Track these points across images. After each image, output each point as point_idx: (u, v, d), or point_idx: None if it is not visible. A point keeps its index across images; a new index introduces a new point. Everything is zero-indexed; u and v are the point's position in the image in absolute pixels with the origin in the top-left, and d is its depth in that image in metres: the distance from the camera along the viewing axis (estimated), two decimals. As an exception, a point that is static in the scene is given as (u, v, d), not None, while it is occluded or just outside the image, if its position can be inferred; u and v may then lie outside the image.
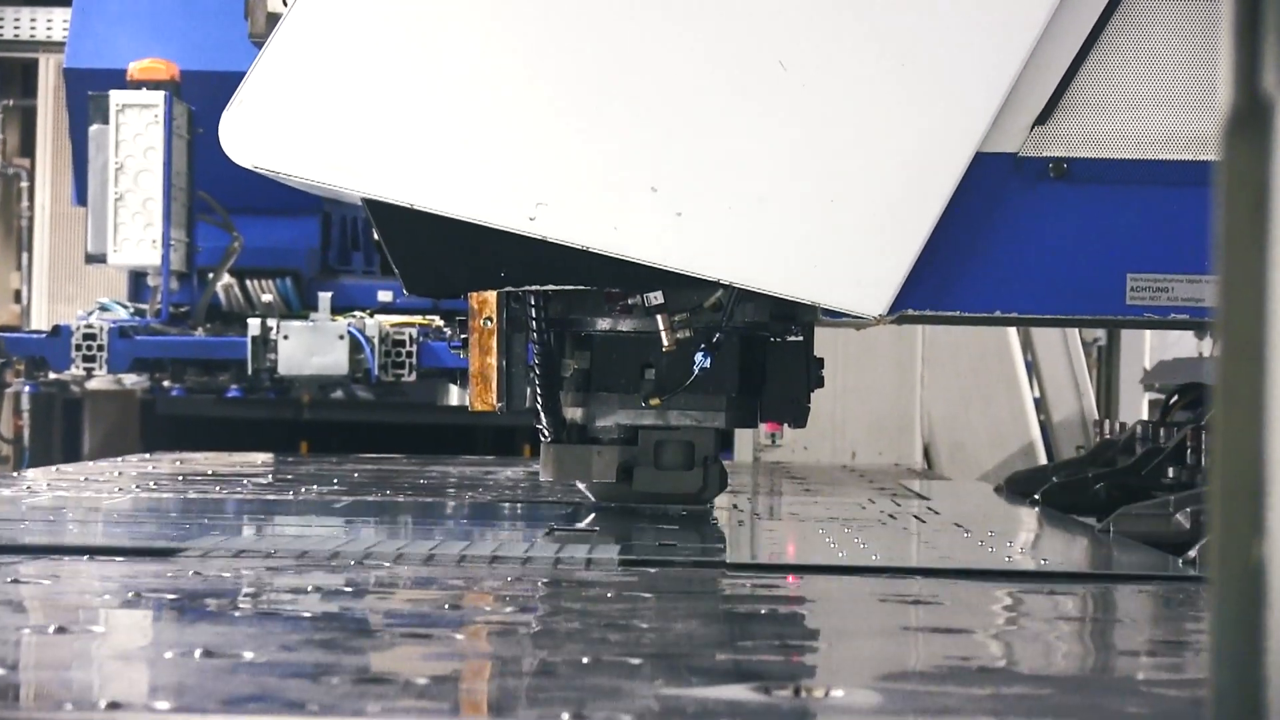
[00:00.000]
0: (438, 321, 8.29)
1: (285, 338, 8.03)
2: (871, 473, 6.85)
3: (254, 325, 8.07)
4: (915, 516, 4.72)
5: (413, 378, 8.10)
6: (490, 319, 4.31)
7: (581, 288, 4.28)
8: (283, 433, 9.95)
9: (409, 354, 8.03)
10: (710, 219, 4.06)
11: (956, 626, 2.77)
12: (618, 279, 4.22)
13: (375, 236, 4.24)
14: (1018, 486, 5.89)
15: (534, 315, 4.32)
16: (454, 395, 8.82)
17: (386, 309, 8.63)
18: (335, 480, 5.55)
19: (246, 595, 2.90)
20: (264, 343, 8.05)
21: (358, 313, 8.29)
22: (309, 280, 8.98)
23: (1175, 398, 5.81)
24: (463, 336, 4.36)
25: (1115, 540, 4.17)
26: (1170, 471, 5.06)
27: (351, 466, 6.38)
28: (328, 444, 9.70)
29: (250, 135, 4.10)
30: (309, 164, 4.10)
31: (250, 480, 5.52)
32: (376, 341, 8.01)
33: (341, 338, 8.02)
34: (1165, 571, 3.54)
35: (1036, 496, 5.32)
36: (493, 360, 4.31)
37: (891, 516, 4.68)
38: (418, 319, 8.22)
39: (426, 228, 4.14)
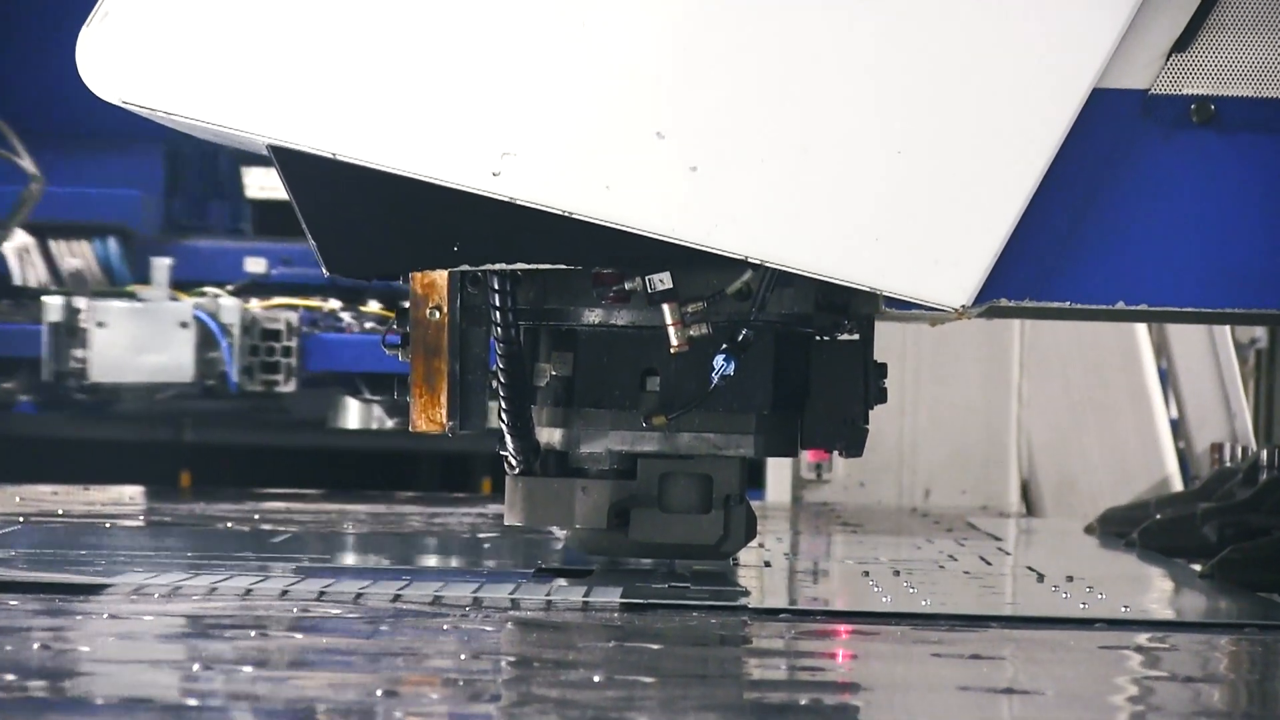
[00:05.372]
0: (332, 304, 7.59)
1: (101, 325, 7.37)
2: (950, 518, 6.88)
3: (53, 306, 7.47)
4: (981, 558, 4.90)
5: (291, 386, 7.35)
6: (439, 308, 4.32)
7: (561, 267, 4.29)
8: (157, 459, 9.90)
9: (286, 350, 7.28)
10: (736, 175, 4.07)
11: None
12: (610, 256, 4.23)
13: (276, 194, 4.25)
14: (1113, 525, 6.22)
15: (498, 304, 4.33)
16: (353, 414, 7.94)
17: (257, 285, 7.86)
18: (226, 523, 5.56)
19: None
20: (69, 332, 7.44)
21: (211, 289, 7.60)
22: (143, 241, 8.27)
23: None
24: (402, 331, 4.37)
25: (1219, 588, 4.36)
26: None
27: (250, 505, 6.38)
28: (219, 474, 9.64)
29: (117, 61, 4.11)
30: (196, 101, 4.12)
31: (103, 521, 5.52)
32: (237, 332, 7.21)
33: (185, 325, 7.28)
34: (1267, 620, 3.80)
35: (1134, 536, 5.60)
36: (442, 364, 4.32)
37: (952, 558, 4.86)
38: (303, 300, 7.51)
39: (354, 186, 4.15)
